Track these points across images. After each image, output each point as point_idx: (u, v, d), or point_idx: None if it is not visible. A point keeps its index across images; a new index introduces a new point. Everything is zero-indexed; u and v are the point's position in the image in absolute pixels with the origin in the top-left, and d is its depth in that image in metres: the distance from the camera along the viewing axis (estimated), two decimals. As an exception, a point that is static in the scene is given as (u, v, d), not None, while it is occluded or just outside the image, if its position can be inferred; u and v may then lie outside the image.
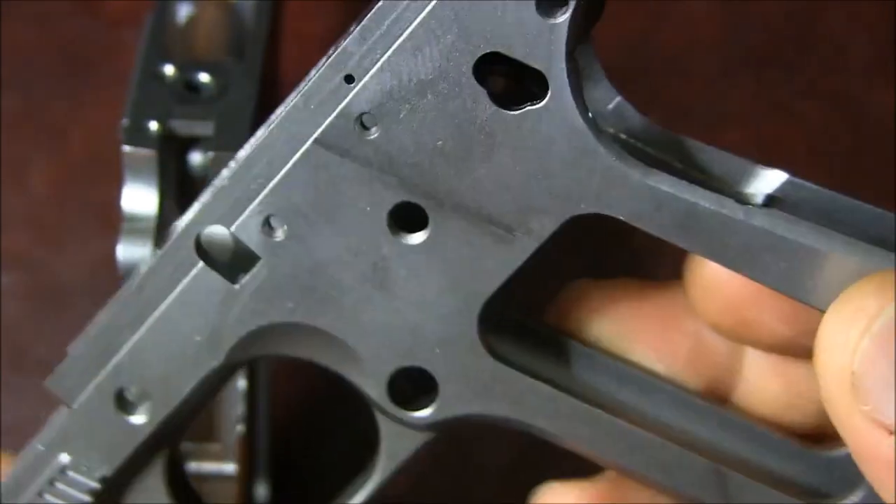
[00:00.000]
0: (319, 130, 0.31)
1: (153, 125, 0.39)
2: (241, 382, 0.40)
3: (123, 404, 0.34)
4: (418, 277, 0.32)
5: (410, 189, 0.31)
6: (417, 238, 0.32)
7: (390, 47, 0.30)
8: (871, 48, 0.60)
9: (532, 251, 0.32)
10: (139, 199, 0.39)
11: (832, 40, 0.61)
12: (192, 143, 0.40)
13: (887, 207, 0.33)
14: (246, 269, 0.33)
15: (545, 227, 0.32)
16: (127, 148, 0.39)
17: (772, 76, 0.60)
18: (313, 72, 0.31)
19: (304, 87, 0.31)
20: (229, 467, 0.41)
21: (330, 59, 0.30)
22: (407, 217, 0.32)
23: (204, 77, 0.40)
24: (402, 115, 0.30)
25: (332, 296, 0.33)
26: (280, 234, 0.32)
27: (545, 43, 0.29)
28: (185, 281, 0.33)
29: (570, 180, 0.31)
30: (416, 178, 0.31)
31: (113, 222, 0.39)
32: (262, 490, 0.48)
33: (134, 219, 0.39)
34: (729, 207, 0.31)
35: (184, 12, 0.44)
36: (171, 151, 0.40)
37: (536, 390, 0.34)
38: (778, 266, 0.31)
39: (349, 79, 0.30)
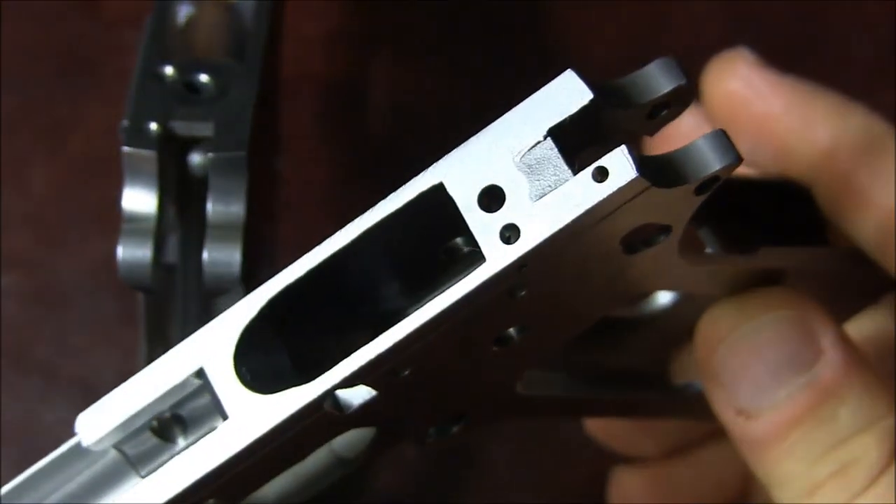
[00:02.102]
0: (474, 308, 0.30)
1: (153, 126, 0.39)
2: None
3: None
4: (501, 365, 0.34)
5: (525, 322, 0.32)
6: (516, 341, 0.33)
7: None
8: (873, 48, 0.60)
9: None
10: (139, 199, 0.39)
11: (834, 41, 0.61)
12: (192, 143, 0.40)
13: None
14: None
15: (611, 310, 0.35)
16: (127, 148, 0.39)
17: (773, 76, 0.60)
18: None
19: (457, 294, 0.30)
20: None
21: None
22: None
23: (204, 77, 0.40)
24: (550, 281, 0.31)
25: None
26: (405, 373, 0.31)
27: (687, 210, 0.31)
28: (302, 425, 0.31)
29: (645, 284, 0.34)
30: (540, 315, 0.32)
31: (113, 222, 0.39)
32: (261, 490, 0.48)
33: (134, 219, 0.39)
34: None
35: (184, 13, 0.43)
36: (171, 152, 0.40)
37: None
38: None
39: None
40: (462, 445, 0.51)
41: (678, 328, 0.38)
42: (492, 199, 0.29)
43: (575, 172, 0.28)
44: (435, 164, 0.30)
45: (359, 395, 0.31)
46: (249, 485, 0.33)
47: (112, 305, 0.54)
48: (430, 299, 0.29)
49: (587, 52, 0.59)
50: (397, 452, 0.51)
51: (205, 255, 0.39)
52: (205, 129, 0.39)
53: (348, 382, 0.30)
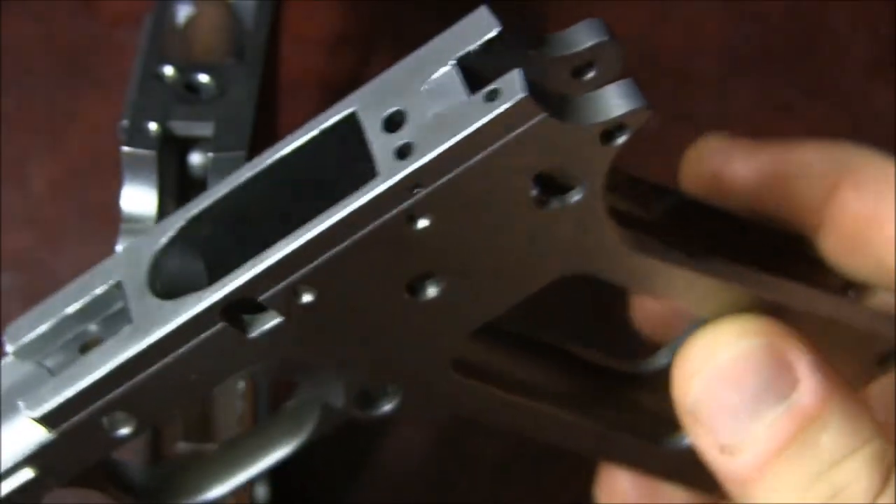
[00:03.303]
0: (370, 228, 0.30)
1: (153, 126, 0.39)
2: (241, 383, 0.40)
3: (111, 425, 0.33)
4: (421, 325, 0.33)
5: (433, 266, 0.32)
6: (431, 294, 0.32)
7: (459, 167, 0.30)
8: (873, 48, 0.60)
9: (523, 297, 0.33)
10: (139, 199, 0.39)
11: (833, 40, 0.61)
12: (192, 143, 0.40)
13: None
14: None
15: (532, 285, 0.33)
16: (126, 148, 0.39)
17: (773, 76, 0.60)
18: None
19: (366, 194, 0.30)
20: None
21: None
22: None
23: (204, 77, 0.40)
24: (453, 216, 0.30)
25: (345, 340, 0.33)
26: (307, 298, 0.31)
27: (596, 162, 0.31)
28: (203, 336, 0.31)
29: (572, 253, 0.33)
30: (450, 261, 0.32)
31: (113, 222, 0.39)
32: (261, 490, 0.48)
33: (133, 219, 0.39)
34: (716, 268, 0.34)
35: (183, 13, 0.44)
36: (171, 152, 0.40)
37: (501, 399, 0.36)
38: None
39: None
40: (455, 439, 0.51)
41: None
42: (395, 122, 0.30)
43: (473, 94, 0.29)
44: (351, 94, 0.31)
45: (267, 319, 0.31)
46: (163, 403, 0.33)
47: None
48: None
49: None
50: (395, 449, 0.51)
51: (205, 255, 0.39)
52: (205, 129, 0.39)
53: (243, 293, 0.30)
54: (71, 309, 0.32)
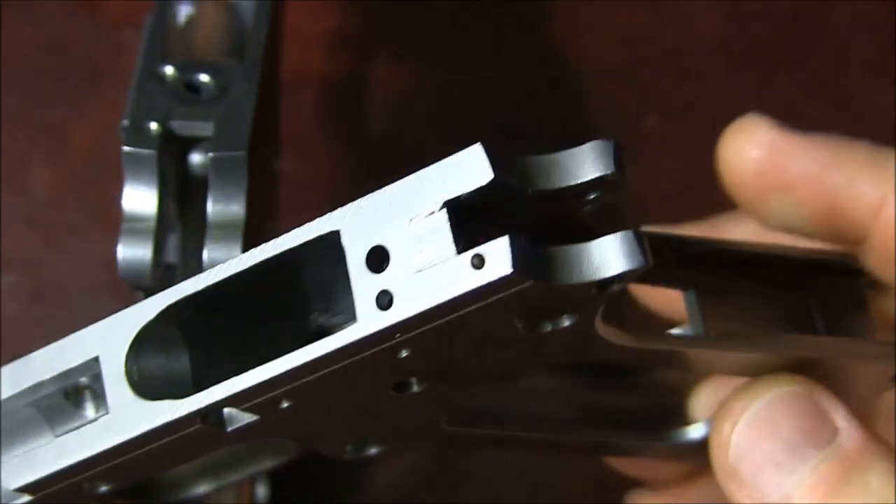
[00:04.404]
0: (358, 357, 0.30)
1: (153, 125, 0.39)
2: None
3: (91, 487, 0.33)
4: (402, 412, 0.33)
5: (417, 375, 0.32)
6: (416, 389, 0.32)
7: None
8: (873, 48, 0.60)
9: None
10: (139, 199, 0.39)
11: (833, 40, 0.61)
12: (192, 143, 0.40)
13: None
14: None
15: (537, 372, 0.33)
16: (127, 148, 0.39)
17: (773, 76, 0.60)
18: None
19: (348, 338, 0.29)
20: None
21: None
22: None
23: (204, 77, 0.40)
24: (436, 349, 0.30)
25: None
26: (286, 405, 0.31)
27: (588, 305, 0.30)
28: (179, 434, 0.31)
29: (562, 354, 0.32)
30: (434, 373, 0.31)
31: (113, 222, 0.39)
32: (261, 490, 0.48)
33: (134, 219, 0.39)
34: (681, 342, 0.33)
35: (184, 12, 0.44)
36: (171, 152, 0.40)
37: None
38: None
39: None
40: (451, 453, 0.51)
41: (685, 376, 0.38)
42: (378, 259, 0.29)
43: (460, 251, 0.28)
44: (339, 209, 0.30)
45: (244, 417, 0.31)
46: (141, 474, 0.33)
47: (112, 305, 0.54)
48: (302, 346, 0.29)
49: (586, 51, 0.59)
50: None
51: (205, 254, 0.39)
52: (205, 129, 0.39)
53: (219, 406, 0.30)
54: (46, 376, 0.33)
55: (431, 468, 0.52)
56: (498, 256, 0.27)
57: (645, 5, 0.60)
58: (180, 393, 0.30)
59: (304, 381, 0.30)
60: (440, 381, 0.32)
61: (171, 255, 0.42)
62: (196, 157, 0.40)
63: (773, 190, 0.37)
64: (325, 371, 0.29)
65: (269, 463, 0.37)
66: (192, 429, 0.31)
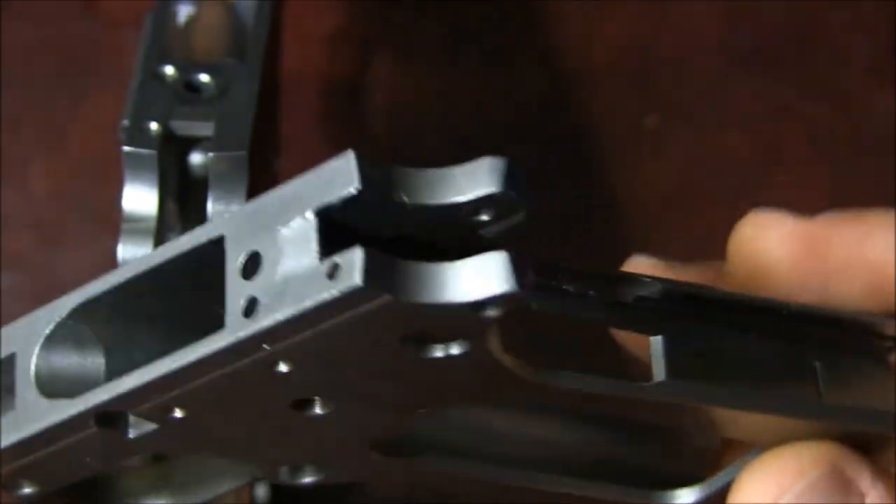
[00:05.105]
0: (234, 367, 0.29)
1: (153, 125, 0.39)
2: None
3: (12, 486, 0.33)
4: (310, 434, 0.32)
5: (314, 394, 0.30)
6: (315, 412, 0.31)
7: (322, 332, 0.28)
8: (872, 48, 0.60)
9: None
10: (139, 199, 0.39)
11: (833, 41, 0.61)
12: (193, 143, 0.40)
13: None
14: None
15: (440, 407, 0.31)
16: (127, 148, 0.39)
17: (773, 77, 0.60)
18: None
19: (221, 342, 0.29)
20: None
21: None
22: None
23: (204, 77, 0.40)
24: (319, 364, 0.29)
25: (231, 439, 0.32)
26: (180, 414, 0.30)
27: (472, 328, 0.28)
28: (80, 435, 0.31)
29: (470, 388, 0.30)
30: (332, 393, 0.30)
31: (113, 222, 0.39)
32: (261, 491, 0.48)
33: (134, 219, 0.39)
34: (625, 387, 0.30)
35: (184, 12, 0.44)
36: (172, 151, 0.40)
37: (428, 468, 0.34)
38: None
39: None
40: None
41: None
42: (252, 265, 0.28)
43: (322, 260, 0.27)
44: (226, 214, 0.29)
45: (145, 424, 0.31)
46: (63, 475, 0.33)
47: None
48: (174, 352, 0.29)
49: (587, 52, 0.59)
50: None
51: (205, 254, 0.39)
52: (205, 129, 0.39)
53: (111, 406, 0.30)
54: None
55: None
56: (350, 267, 0.26)
57: (645, 6, 0.60)
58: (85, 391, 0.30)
59: (186, 388, 0.29)
60: (349, 403, 0.30)
61: (171, 255, 0.42)
62: (196, 157, 0.40)
63: (812, 281, 0.34)
64: (207, 380, 0.29)
65: (230, 485, 0.35)
66: (89, 431, 0.30)
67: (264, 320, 0.27)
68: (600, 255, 0.54)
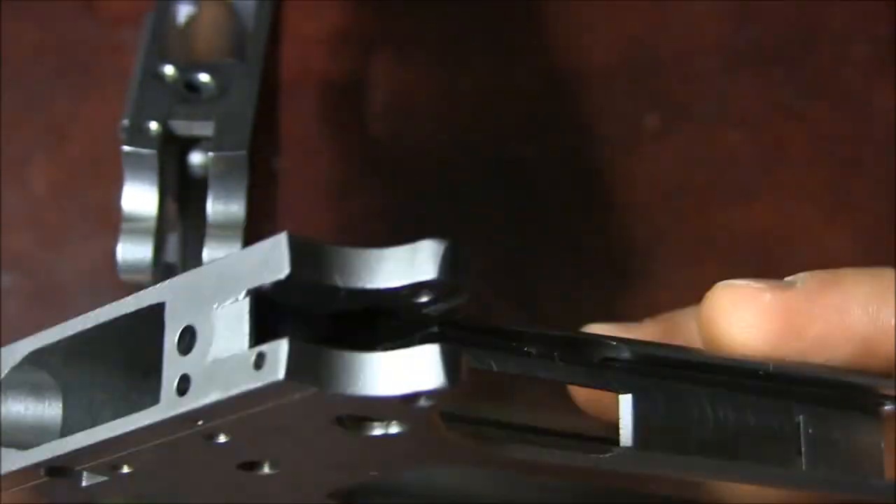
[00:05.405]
0: (170, 438, 0.29)
1: (153, 125, 0.39)
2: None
3: None
4: (259, 491, 0.31)
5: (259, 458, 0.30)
6: (263, 472, 0.30)
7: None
8: (872, 48, 0.60)
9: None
10: (139, 199, 0.39)
11: (833, 40, 0.61)
12: (192, 143, 0.40)
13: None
14: None
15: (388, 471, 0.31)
16: (127, 148, 0.39)
17: (773, 76, 0.60)
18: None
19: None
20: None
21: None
22: None
23: (204, 77, 0.40)
24: (255, 440, 0.29)
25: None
26: (127, 470, 0.30)
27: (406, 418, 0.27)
28: (35, 482, 0.31)
29: (413, 456, 0.30)
30: (276, 459, 0.30)
31: (113, 222, 0.39)
32: None
33: (134, 219, 0.39)
34: (576, 459, 0.29)
35: (184, 12, 0.44)
36: (171, 151, 0.40)
37: None
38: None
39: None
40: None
41: None
42: (187, 340, 0.28)
43: (252, 346, 0.27)
44: (168, 281, 0.29)
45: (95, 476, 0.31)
46: None
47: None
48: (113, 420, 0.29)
49: (587, 51, 0.59)
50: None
51: (205, 254, 0.39)
52: (205, 129, 0.39)
53: (61, 462, 0.30)
54: None
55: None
56: (274, 360, 0.26)
57: (645, 5, 0.60)
58: (45, 440, 0.30)
59: (129, 451, 0.29)
60: (297, 467, 0.30)
61: (171, 255, 0.42)
62: (196, 157, 0.40)
63: (794, 354, 0.32)
64: (150, 445, 0.29)
65: None
66: (41, 480, 0.30)
67: (194, 402, 0.27)
68: (600, 254, 0.54)
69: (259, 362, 0.26)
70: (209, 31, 0.44)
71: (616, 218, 0.57)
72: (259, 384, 0.26)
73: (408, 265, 0.27)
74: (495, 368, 0.29)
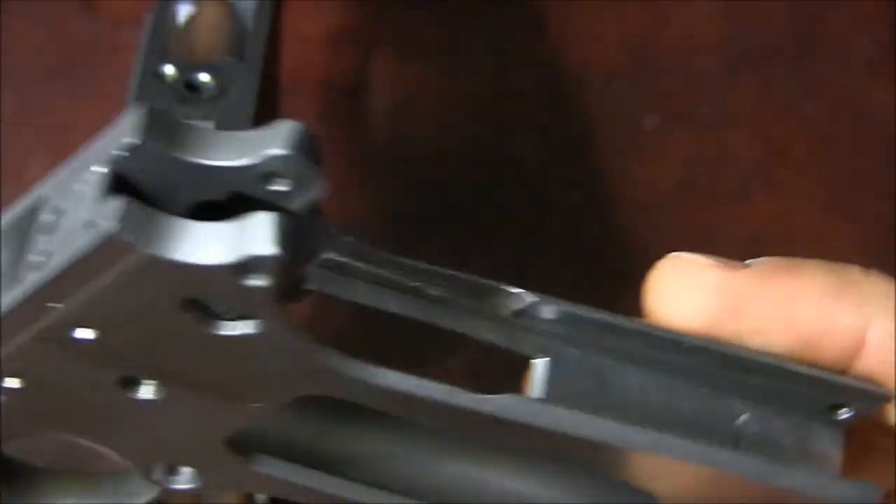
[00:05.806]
0: (33, 332, 0.28)
1: (153, 125, 0.39)
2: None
3: None
4: (155, 422, 0.30)
5: (134, 371, 0.29)
6: (147, 394, 0.29)
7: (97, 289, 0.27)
8: (873, 48, 0.60)
9: (269, 413, 0.30)
10: (139, 199, 0.39)
11: (834, 40, 0.61)
12: (192, 143, 0.40)
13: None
14: None
15: (270, 402, 0.29)
16: (127, 148, 0.39)
17: (774, 76, 0.60)
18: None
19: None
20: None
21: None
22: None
23: (204, 77, 0.40)
24: (118, 331, 0.28)
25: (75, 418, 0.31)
26: (13, 384, 0.30)
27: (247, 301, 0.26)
28: None
29: (286, 380, 0.28)
30: (139, 367, 0.29)
31: (113, 222, 0.39)
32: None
33: (134, 219, 0.39)
34: (458, 398, 0.27)
35: (184, 12, 0.44)
36: (171, 151, 0.40)
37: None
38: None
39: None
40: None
41: None
42: (52, 217, 0.28)
43: (97, 210, 0.26)
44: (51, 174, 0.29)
45: None
46: None
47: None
48: None
49: (587, 52, 0.59)
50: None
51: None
52: (205, 129, 0.39)
53: None
54: None
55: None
56: (109, 216, 0.26)
57: (645, 6, 0.61)
58: None
59: (8, 351, 0.28)
60: (176, 389, 0.29)
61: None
62: (196, 157, 0.40)
63: (731, 336, 0.30)
64: (19, 341, 0.28)
65: (141, 499, 0.34)
66: None
67: (46, 275, 0.27)
68: (600, 254, 0.54)
69: (95, 222, 0.26)
70: (209, 31, 0.44)
71: (616, 218, 0.57)
72: (92, 241, 0.26)
73: (259, 143, 0.26)
74: (327, 291, 0.28)
